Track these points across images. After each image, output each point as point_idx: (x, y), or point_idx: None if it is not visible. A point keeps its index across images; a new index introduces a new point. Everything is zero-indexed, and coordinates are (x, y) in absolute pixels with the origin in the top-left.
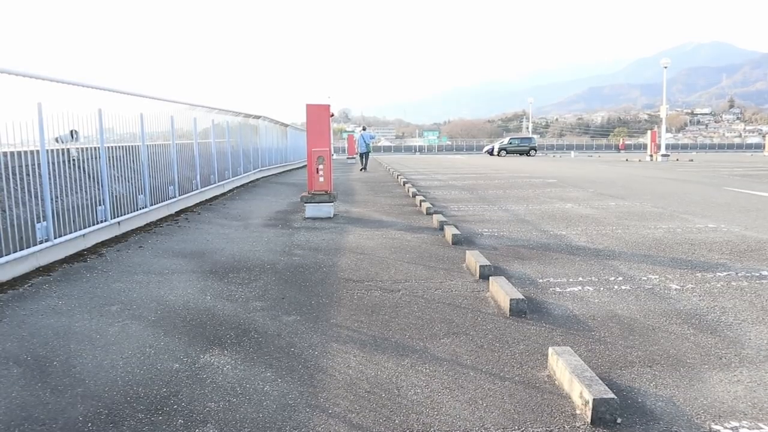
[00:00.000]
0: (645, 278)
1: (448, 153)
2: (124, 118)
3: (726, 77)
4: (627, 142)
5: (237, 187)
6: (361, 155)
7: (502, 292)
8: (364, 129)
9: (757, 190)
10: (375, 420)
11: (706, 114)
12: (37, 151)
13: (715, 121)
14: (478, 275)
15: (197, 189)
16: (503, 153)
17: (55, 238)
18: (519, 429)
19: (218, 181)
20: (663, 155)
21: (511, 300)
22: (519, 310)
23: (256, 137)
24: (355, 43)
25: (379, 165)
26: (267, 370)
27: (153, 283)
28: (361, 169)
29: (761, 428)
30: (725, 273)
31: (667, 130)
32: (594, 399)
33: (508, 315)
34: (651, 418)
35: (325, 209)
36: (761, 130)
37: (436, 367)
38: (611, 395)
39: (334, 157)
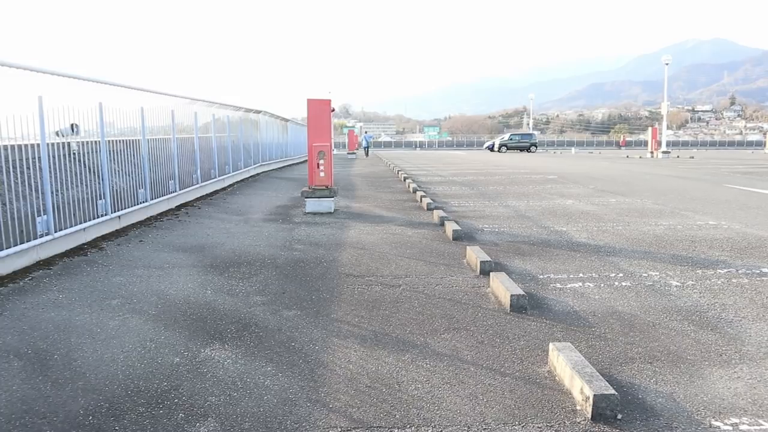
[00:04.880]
0: (645, 275)
1: (448, 149)
2: (124, 112)
3: (727, 74)
4: (628, 139)
5: (237, 182)
6: (365, 149)
7: (502, 287)
8: (366, 132)
9: (758, 188)
10: (375, 415)
11: (707, 111)
12: (38, 145)
13: (716, 119)
14: (478, 271)
15: (198, 183)
16: (503, 149)
17: (55, 231)
18: (519, 424)
19: (219, 176)
20: (664, 152)
21: (511, 296)
22: (520, 306)
23: (257, 132)
24: (355, 38)
25: (380, 160)
26: (268, 365)
27: (153, 277)
28: (365, 155)
29: (761, 425)
30: (726, 270)
31: (668, 127)
32: (594, 395)
33: (508, 311)
34: (651, 414)
35: (326, 204)
36: (762, 127)
37: (437, 363)
38: (612, 391)
39: (335, 152)
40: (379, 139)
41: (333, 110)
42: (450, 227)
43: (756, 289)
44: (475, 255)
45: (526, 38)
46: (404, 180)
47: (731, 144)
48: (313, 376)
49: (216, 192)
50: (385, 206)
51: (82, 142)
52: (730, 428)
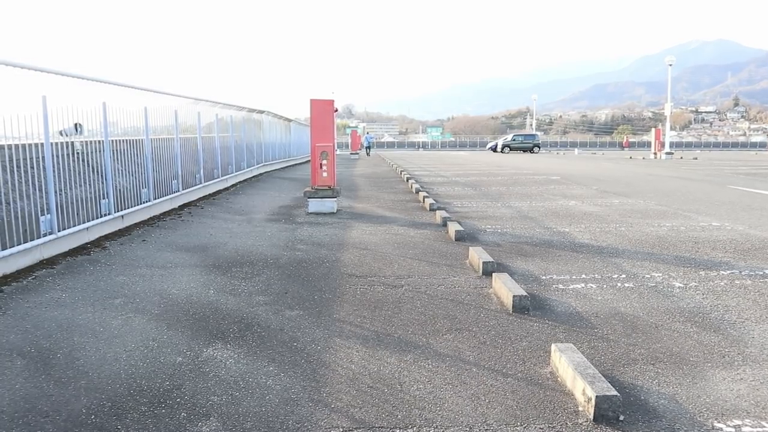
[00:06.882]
0: (648, 276)
1: (451, 149)
2: (128, 111)
3: (731, 75)
4: (631, 140)
5: (240, 182)
6: (366, 148)
7: (504, 288)
8: (367, 133)
9: (762, 189)
10: (377, 415)
11: (710, 112)
12: (42, 144)
13: (720, 120)
14: (480, 271)
15: (201, 183)
16: (506, 150)
17: (58, 231)
18: (521, 425)
19: (221, 176)
20: (667, 153)
21: (513, 296)
22: (522, 307)
23: (260, 132)
24: (358, 39)
25: (383, 161)
26: (270, 365)
27: (156, 276)
28: (366, 155)
29: (764, 426)
30: (729, 271)
31: (672, 128)
32: (597, 396)
33: (510, 311)
34: (654, 416)
35: (329, 204)
36: (766, 128)
37: (439, 363)
38: (614, 392)
39: (338, 152)
40: (382, 140)
41: (336, 110)
42: (452, 228)
43: (759, 290)
44: (477, 256)
45: (529, 39)
46: (407, 180)
47: (735, 145)
48: (315, 376)
49: (219, 192)
50: (387, 207)
51: (86, 142)
52: (733, 430)
